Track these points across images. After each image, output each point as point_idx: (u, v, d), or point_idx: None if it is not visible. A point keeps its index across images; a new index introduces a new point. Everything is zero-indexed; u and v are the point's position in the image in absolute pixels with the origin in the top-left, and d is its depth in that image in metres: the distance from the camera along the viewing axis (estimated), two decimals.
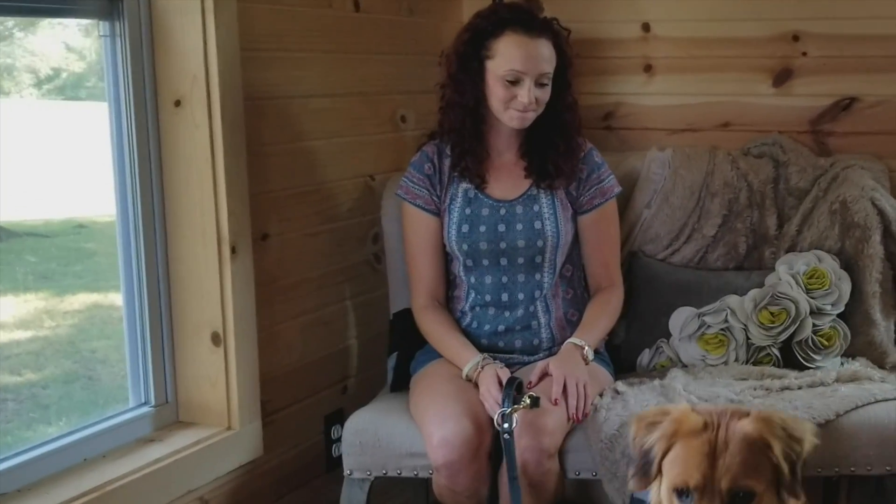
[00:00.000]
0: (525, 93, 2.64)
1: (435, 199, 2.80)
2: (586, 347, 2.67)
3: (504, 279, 2.77)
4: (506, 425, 2.41)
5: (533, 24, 2.69)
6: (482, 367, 2.62)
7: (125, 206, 2.53)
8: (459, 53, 2.75)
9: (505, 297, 2.78)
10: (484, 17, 2.75)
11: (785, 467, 1.81)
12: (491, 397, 2.51)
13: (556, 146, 2.75)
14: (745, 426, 1.82)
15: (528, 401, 2.45)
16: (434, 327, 2.78)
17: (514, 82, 2.65)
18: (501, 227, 2.75)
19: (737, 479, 1.77)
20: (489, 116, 2.74)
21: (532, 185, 2.78)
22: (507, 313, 2.78)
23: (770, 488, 1.81)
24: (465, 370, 2.65)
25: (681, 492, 1.81)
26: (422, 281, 2.81)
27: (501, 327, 2.78)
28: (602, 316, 2.79)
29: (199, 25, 2.46)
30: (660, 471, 1.86)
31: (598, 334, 2.77)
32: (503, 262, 2.76)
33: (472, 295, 2.80)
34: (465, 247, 2.76)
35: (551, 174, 2.75)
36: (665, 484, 1.85)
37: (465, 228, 2.76)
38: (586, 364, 2.65)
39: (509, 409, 2.43)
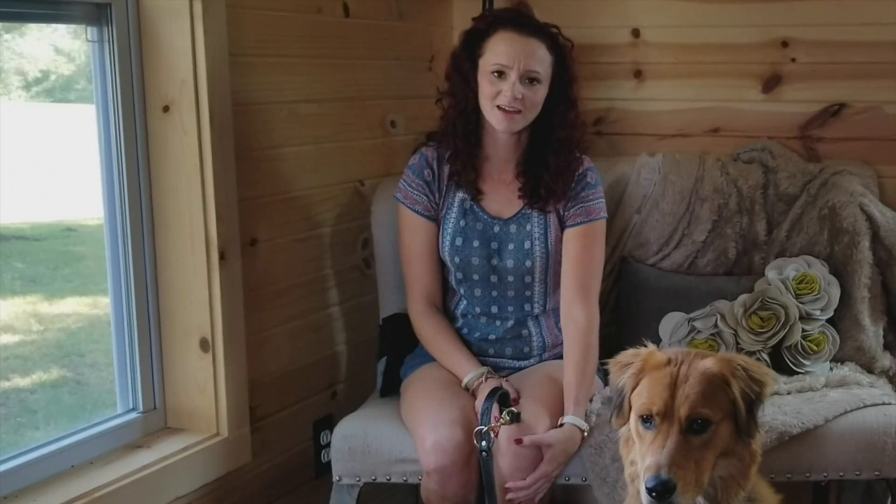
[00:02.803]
0: (508, 87, 2.60)
1: (434, 205, 2.78)
2: (586, 428, 2.54)
3: (494, 293, 2.76)
4: (484, 443, 2.40)
5: (526, 24, 2.67)
6: (486, 379, 2.61)
7: (113, 211, 2.52)
8: (455, 55, 2.75)
9: (495, 309, 2.77)
10: (480, 20, 2.76)
11: (742, 405, 1.96)
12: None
13: (548, 164, 2.70)
14: (707, 363, 1.99)
15: (507, 417, 2.44)
16: (433, 334, 2.77)
17: (500, 76, 2.62)
18: (494, 245, 2.74)
19: (694, 407, 1.93)
20: (485, 122, 2.71)
21: (525, 204, 2.75)
22: (497, 323, 2.77)
23: (727, 421, 1.97)
24: (466, 380, 2.64)
25: (645, 419, 1.98)
26: (419, 286, 2.80)
27: (492, 336, 2.77)
28: (585, 378, 2.61)
29: (188, 31, 2.46)
30: (630, 406, 2.03)
31: (587, 398, 2.61)
32: (493, 279, 2.74)
33: (464, 303, 2.80)
34: (457, 259, 2.75)
35: (542, 196, 2.71)
36: (633, 414, 2.02)
37: (458, 241, 2.75)
38: (584, 432, 2.53)
39: (486, 428, 2.42)
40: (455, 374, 2.68)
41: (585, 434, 2.53)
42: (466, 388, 2.63)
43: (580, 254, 2.72)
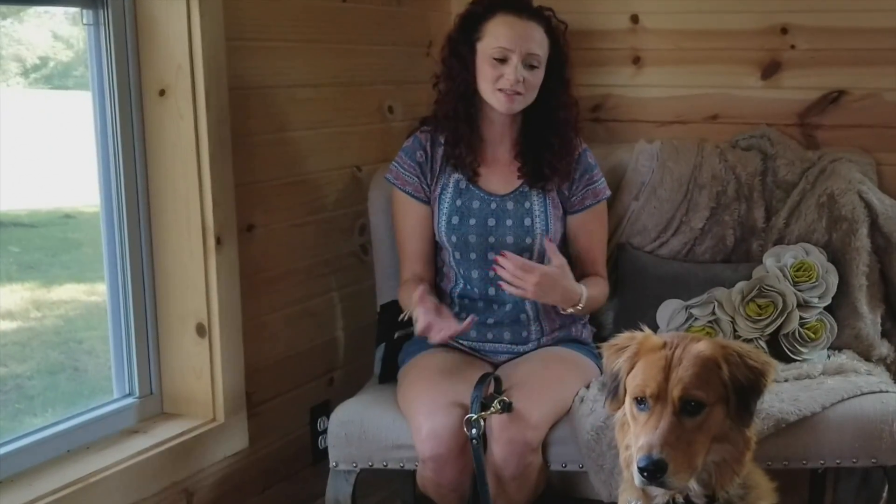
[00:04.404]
0: (511, 71, 2.63)
1: (425, 187, 2.79)
2: (583, 296, 2.66)
3: (492, 274, 2.75)
4: (474, 431, 2.40)
5: (523, 7, 2.70)
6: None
7: (109, 196, 2.52)
8: (452, 39, 2.77)
9: (492, 291, 2.76)
10: (476, 3, 2.76)
11: (732, 390, 1.96)
12: (430, 326, 2.53)
13: (550, 145, 2.74)
14: (700, 346, 1.99)
15: (498, 406, 2.44)
16: (405, 293, 2.75)
17: (502, 61, 2.65)
18: (491, 222, 2.74)
19: (687, 389, 1.93)
20: (482, 104, 2.74)
21: (524, 182, 2.77)
22: (494, 307, 2.77)
23: (721, 405, 1.96)
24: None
25: (639, 401, 1.97)
26: (409, 264, 2.81)
27: (490, 321, 2.77)
28: (597, 286, 2.79)
29: (184, 14, 2.45)
30: (626, 390, 2.03)
31: (594, 296, 2.75)
32: (491, 256, 2.74)
33: (461, 285, 2.79)
34: (454, 238, 2.75)
35: (546, 176, 2.74)
36: (627, 397, 2.02)
37: (454, 220, 2.75)
38: (575, 306, 2.65)
39: (476, 416, 2.42)
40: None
41: (582, 295, 2.64)
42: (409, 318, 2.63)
43: (591, 235, 2.81)
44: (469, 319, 2.60)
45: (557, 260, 2.64)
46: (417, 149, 2.79)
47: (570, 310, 2.67)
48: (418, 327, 2.55)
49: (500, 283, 2.63)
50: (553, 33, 2.73)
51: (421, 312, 2.55)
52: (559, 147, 2.74)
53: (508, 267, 2.59)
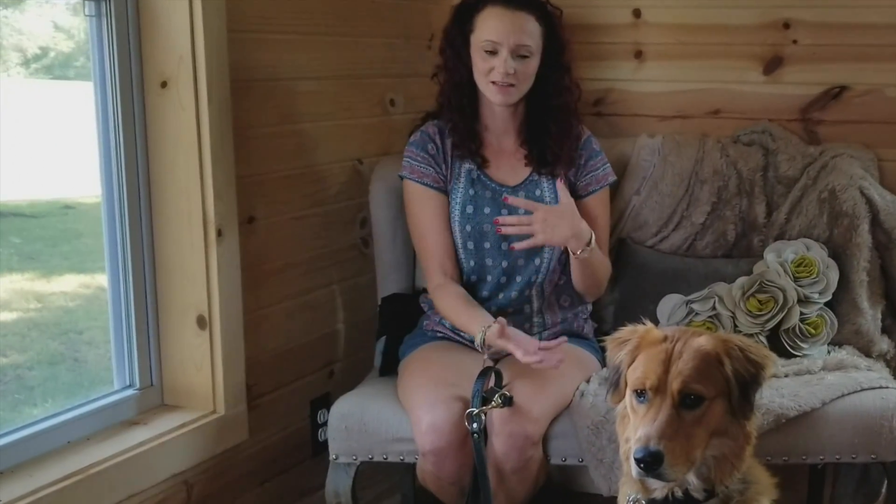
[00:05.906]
0: (501, 63, 2.64)
1: (442, 177, 2.79)
2: (593, 236, 2.66)
3: (504, 264, 2.76)
4: (475, 425, 2.40)
5: None
6: (486, 334, 2.54)
7: (110, 188, 2.51)
8: (447, 31, 2.78)
9: (503, 279, 2.77)
10: None
11: (734, 383, 1.96)
12: (519, 348, 2.47)
13: (549, 131, 2.76)
14: (701, 340, 2.00)
15: (499, 401, 2.44)
16: (448, 302, 2.72)
17: (492, 53, 2.66)
18: (505, 212, 2.75)
19: (687, 382, 1.93)
20: (482, 94, 2.75)
21: (533, 171, 2.78)
22: (500, 295, 2.77)
23: (721, 399, 1.97)
24: (477, 340, 2.58)
25: (639, 393, 1.98)
26: (435, 259, 2.77)
27: (494, 308, 2.77)
28: (603, 258, 2.80)
29: (186, 5, 2.45)
30: (626, 382, 2.04)
31: (601, 259, 2.75)
32: (504, 246, 2.74)
33: (469, 277, 2.79)
34: (468, 228, 2.75)
35: (550, 162, 2.76)
36: (628, 389, 2.02)
37: (469, 209, 2.76)
38: (588, 244, 2.64)
39: (477, 410, 2.41)
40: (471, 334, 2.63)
41: (592, 238, 2.64)
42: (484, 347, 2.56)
43: (595, 220, 2.80)
44: (560, 340, 2.54)
45: (565, 198, 2.65)
46: (427, 141, 2.79)
47: (582, 252, 2.64)
48: (524, 359, 2.48)
49: (513, 244, 2.63)
50: (547, 20, 2.73)
51: (512, 347, 2.50)
52: (557, 132, 2.76)
53: (511, 220, 2.61)
